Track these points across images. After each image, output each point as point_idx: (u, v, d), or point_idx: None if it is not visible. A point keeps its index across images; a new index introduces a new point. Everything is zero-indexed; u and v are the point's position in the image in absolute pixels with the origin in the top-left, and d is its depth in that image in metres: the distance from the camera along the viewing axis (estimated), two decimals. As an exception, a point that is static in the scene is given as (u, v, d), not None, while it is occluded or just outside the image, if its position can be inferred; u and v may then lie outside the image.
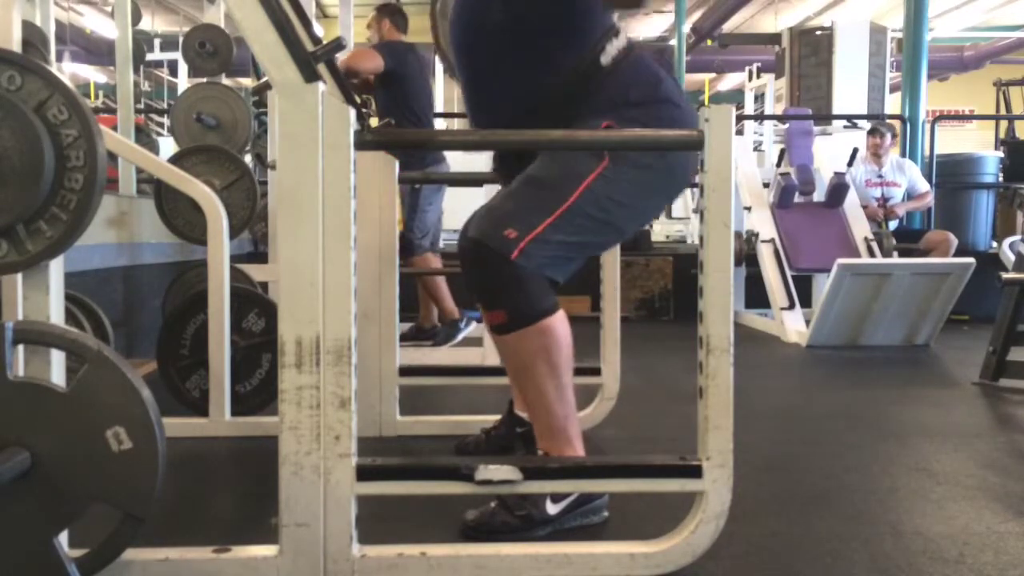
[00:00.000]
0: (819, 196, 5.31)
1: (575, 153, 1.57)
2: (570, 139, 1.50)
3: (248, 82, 7.50)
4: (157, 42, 8.75)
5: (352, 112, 1.34)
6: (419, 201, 3.66)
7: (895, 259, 4.80)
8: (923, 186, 5.52)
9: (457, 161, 4.51)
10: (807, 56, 7.86)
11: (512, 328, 1.53)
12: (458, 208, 3.22)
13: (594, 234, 1.59)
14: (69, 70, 11.25)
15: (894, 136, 5.69)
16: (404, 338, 3.62)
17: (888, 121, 6.11)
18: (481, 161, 4.51)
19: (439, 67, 6.79)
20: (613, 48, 1.64)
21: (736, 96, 15.23)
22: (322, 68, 1.49)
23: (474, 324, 3.84)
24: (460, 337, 3.84)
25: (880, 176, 5.42)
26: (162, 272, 3.88)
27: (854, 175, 5.31)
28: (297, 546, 1.33)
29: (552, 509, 1.60)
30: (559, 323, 1.54)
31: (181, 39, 4.42)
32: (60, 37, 6.58)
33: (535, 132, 1.49)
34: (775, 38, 9.18)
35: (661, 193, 1.71)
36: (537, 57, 1.64)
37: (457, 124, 8.91)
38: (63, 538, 1.22)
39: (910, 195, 5.48)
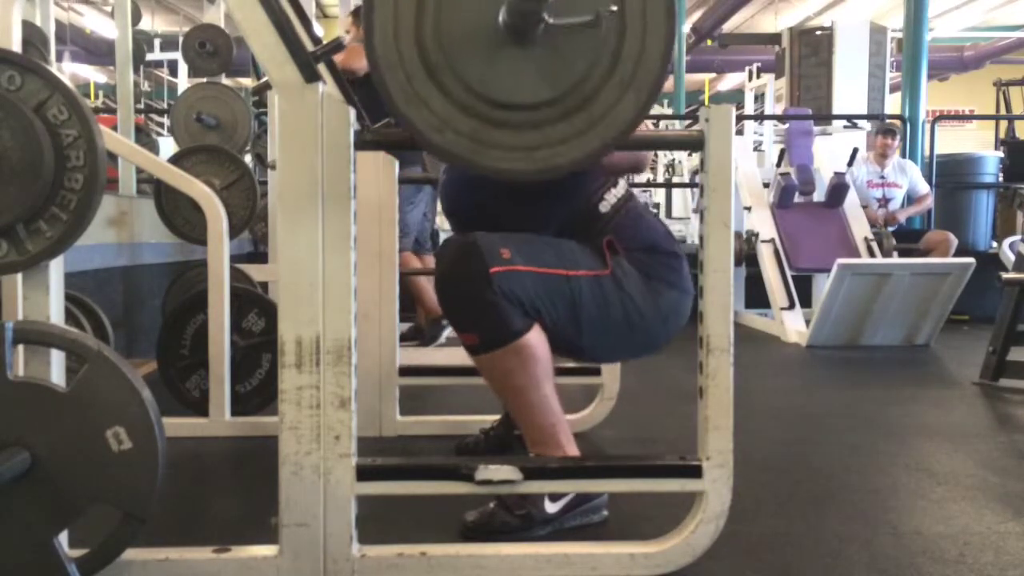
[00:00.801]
0: (819, 196, 5.30)
1: (586, 249, 1.66)
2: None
3: (248, 82, 7.49)
4: (157, 42, 8.75)
5: (352, 112, 1.34)
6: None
7: (895, 259, 4.80)
8: (923, 188, 5.51)
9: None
10: (807, 56, 7.85)
11: (484, 350, 1.54)
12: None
13: (559, 313, 1.57)
14: (69, 70, 11.24)
15: (901, 138, 5.70)
16: (403, 338, 3.62)
17: (889, 121, 6.11)
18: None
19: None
20: (612, 196, 1.74)
21: (736, 96, 15.23)
22: (322, 68, 1.49)
23: None
24: (444, 336, 3.83)
25: (882, 177, 5.41)
26: (162, 272, 3.89)
27: (855, 175, 5.31)
28: (297, 546, 1.33)
29: (551, 508, 1.60)
30: (533, 338, 1.53)
31: (181, 39, 4.43)
32: (60, 37, 6.57)
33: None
34: (775, 38, 9.17)
35: (629, 333, 1.67)
36: (535, 211, 1.71)
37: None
38: (63, 538, 1.22)
39: (910, 196, 5.48)
